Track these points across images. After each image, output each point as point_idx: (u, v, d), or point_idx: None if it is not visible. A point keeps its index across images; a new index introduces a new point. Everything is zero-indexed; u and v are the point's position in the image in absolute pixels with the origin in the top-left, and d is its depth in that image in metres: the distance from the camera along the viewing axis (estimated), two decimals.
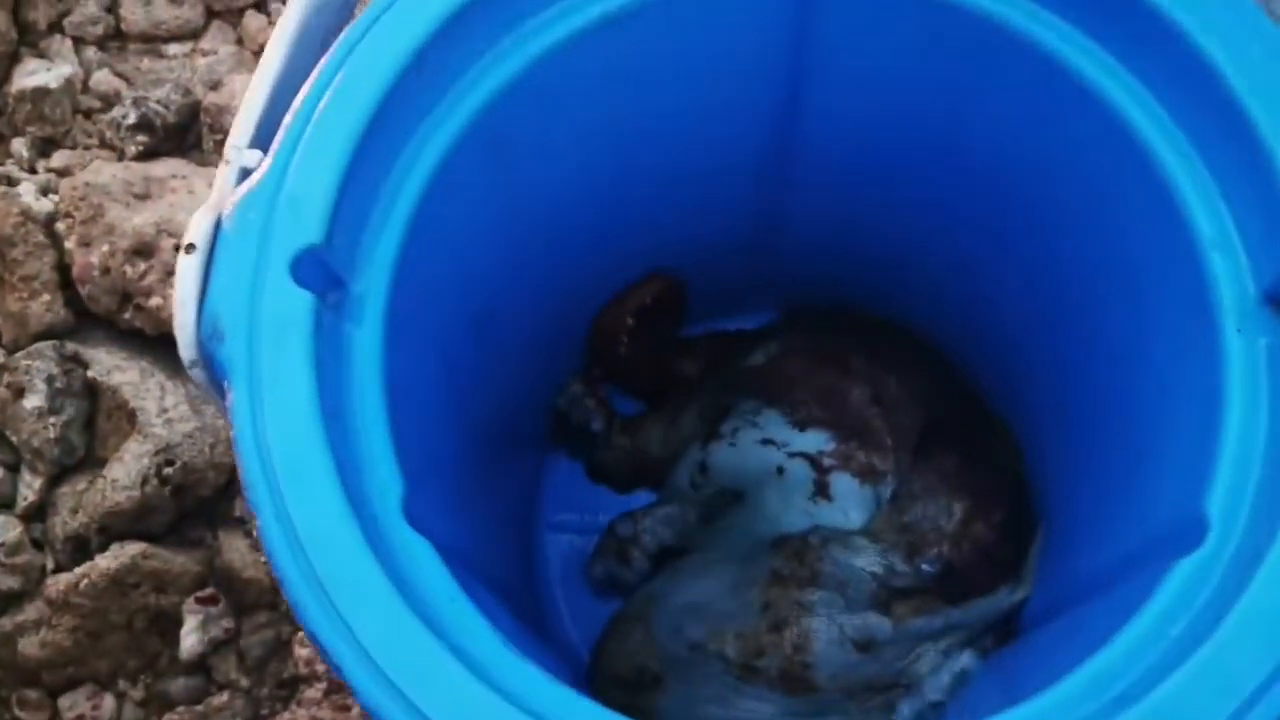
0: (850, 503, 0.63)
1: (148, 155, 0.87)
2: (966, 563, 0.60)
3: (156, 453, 0.77)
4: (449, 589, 0.41)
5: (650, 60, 0.53)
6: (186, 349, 0.42)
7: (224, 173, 0.44)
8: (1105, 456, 0.55)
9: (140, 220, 0.81)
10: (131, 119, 0.87)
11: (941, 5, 0.49)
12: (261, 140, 0.45)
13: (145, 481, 0.76)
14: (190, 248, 0.42)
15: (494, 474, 0.66)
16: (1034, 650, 0.56)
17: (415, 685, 0.37)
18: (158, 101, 0.88)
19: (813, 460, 0.64)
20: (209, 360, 0.41)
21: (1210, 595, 0.40)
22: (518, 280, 0.60)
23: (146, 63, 0.92)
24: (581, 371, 0.75)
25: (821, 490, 0.63)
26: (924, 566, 0.60)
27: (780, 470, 0.64)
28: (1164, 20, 0.44)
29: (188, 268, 0.42)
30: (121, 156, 0.87)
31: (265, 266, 0.41)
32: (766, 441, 0.65)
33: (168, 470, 0.77)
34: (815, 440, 0.64)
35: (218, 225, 0.42)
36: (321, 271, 0.43)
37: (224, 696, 0.78)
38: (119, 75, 0.91)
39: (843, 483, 0.63)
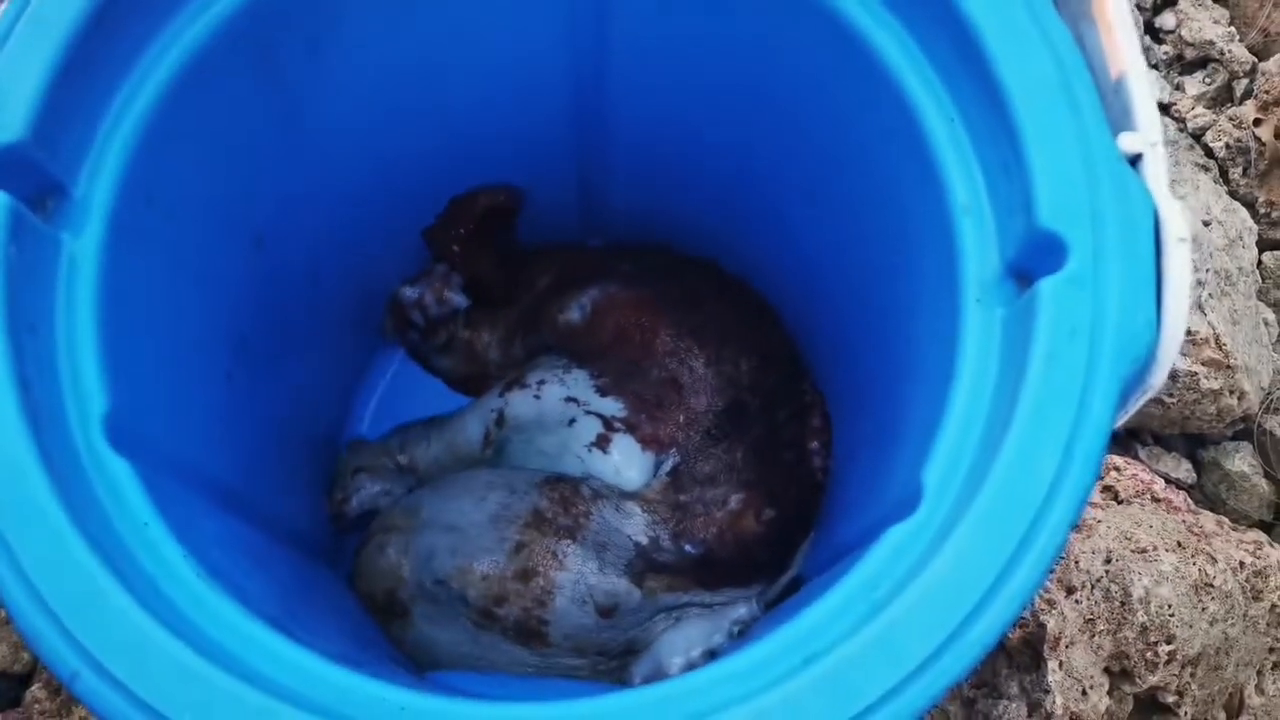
0: (625, 461, 0.62)
1: None
2: (728, 554, 0.60)
3: None
4: (144, 513, 0.40)
5: None
6: None
7: None
8: (875, 427, 0.55)
9: None
10: None
11: None
12: None
13: None
14: None
15: (285, 393, 0.64)
16: (795, 604, 0.56)
17: (74, 613, 0.35)
18: None
19: (605, 420, 0.63)
20: None
21: (914, 562, 0.39)
22: (308, 198, 0.58)
23: None
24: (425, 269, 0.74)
25: (601, 443, 0.62)
26: (687, 547, 0.60)
27: (572, 422, 0.63)
28: None
29: None
30: None
31: None
32: (570, 399, 0.64)
33: None
34: (612, 406, 0.63)
35: None
36: (28, 173, 0.40)
37: None
38: None
39: (624, 443, 0.62)
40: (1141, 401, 0.41)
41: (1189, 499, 0.79)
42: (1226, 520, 0.77)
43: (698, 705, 0.37)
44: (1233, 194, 0.93)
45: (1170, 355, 0.39)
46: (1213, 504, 0.85)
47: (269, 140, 0.54)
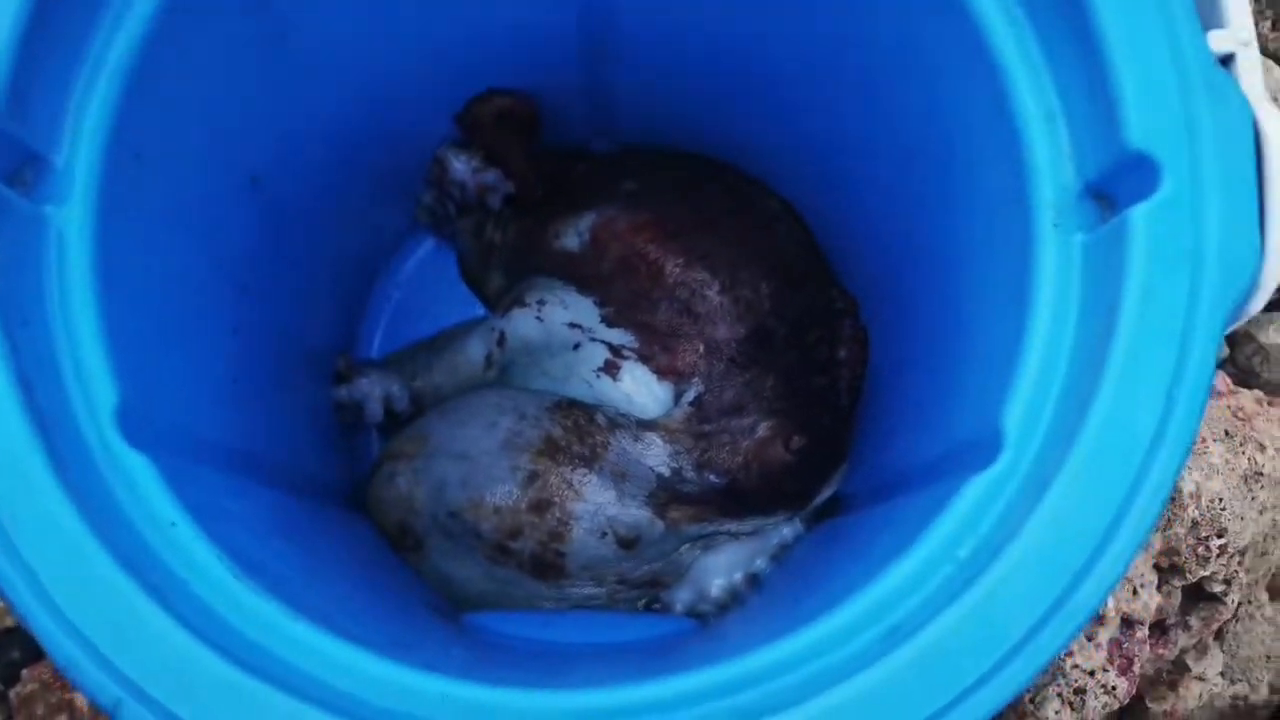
0: (638, 390, 0.59)
1: None
2: (754, 485, 0.57)
3: None
4: (169, 512, 0.37)
5: None
6: None
7: None
8: (926, 346, 0.52)
9: None
10: None
11: None
12: None
13: None
14: None
15: (288, 337, 0.60)
16: (850, 534, 0.54)
17: (109, 637, 0.33)
18: None
19: (612, 348, 0.59)
20: None
21: (999, 518, 0.37)
22: (302, 125, 0.54)
23: None
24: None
25: (609, 369, 0.59)
26: (711, 478, 0.57)
27: (577, 346, 0.60)
28: None
29: None
30: None
31: None
32: (573, 325, 0.60)
33: None
34: (620, 336, 0.60)
35: None
36: (2, 147, 0.36)
37: None
38: None
39: (636, 370, 0.59)
40: (1232, 328, 0.38)
41: (1227, 378, 0.77)
42: (1264, 395, 0.76)
43: (789, 681, 0.35)
44: None
45: (1274, 281, 0.36)
46: (1245, 377, 0.83)
47: (256, 71, 0.49)
